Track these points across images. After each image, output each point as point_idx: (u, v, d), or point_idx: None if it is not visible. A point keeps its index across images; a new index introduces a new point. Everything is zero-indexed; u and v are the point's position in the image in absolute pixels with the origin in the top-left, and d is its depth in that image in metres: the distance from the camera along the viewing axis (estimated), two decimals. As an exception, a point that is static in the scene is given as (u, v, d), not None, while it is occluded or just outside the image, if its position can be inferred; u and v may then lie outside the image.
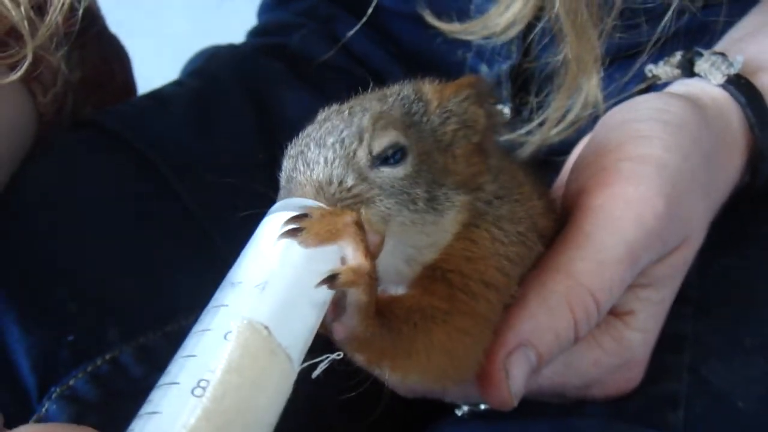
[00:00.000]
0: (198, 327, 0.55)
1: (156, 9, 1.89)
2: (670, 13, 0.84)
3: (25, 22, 0.83)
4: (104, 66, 1.07)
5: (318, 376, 0.57)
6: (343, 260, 0.59)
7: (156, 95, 1.04)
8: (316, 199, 0.60)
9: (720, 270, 0.81)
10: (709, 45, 0.84)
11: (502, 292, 0.65)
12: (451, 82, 0.68)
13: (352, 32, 1.02)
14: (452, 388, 0.69)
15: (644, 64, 0.86)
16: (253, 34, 1.19)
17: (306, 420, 0.77)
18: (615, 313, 0.70)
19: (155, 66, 1.16)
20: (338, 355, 0.58)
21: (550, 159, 0.93)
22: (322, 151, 0.62)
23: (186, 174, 0.92)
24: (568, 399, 0.73)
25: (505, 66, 1.01)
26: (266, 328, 0.54)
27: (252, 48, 1.14)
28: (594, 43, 0.84)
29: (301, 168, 0.62)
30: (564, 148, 0.89)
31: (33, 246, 0.83)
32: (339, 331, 0.61)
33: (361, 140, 0.62)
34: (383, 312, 0.61)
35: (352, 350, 0.62)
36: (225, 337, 0.53)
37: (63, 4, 0.86)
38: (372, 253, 0.59)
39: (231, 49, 1.12)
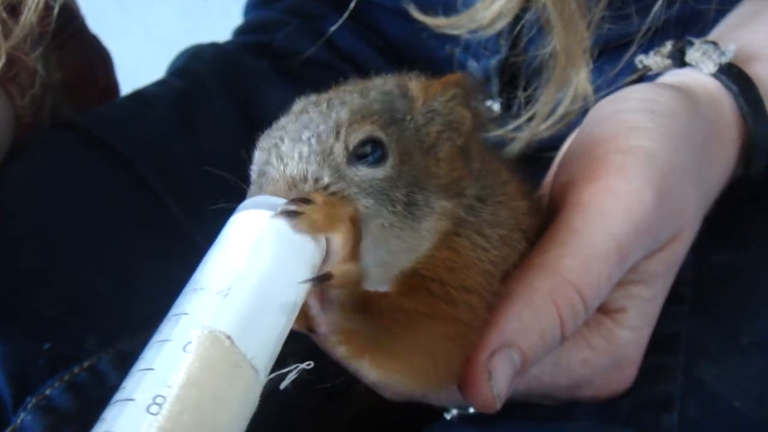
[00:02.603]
0: (157, 337, 0.52)
1: (144, 9, 1.87)
2: (660, 1, 0.81)
3: None
4: (85, 67, 1.06)
5: (289, 386, 0.54)
6: (325, 254, 0.56)
7: (137, 96, 1.03)
8: (287, 196, 0.57)
9: (715, 266, 0.79)
10: (701, 34, 0.81)
11: (485, 295, 0.62)
12: (437, 80, 0.65)
13: (335, 27, 0.99)
14: (434, 393, 0.67)
15: (634, 55, 0.84)
16: (239, 32, 1.18)
17: (285, 423, 0.75)
18: (605, 311, 0.68)
19: (144, 67, 1.14)
20: (308, 364, 0.55)
21: (539, 155, 0.91)
22: (297, 145, 0.59)
23: (167, 174, 0.90)
24: (558, 400, 0.70)
25: (493, 60, 0.99)
26: (228, 337, 0.50)
27: (236, 46, 1.13)
28: (583, 34, 0.82)
29: (275, 162, 0.59)
30: (554, 143, 0.87)
31: (9, 249, 0.80)
32: (323, 325, 0.58)
33: (338, 135, 0.59)
34: (369, 307, 0.59)
35: (333, 343, 0.60)
36: (184, 349, 0.50)
37: (38, 4, 0.84)
38: (359, 254, 0.57)
39: (213, 47, 1.11)
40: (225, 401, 0.49)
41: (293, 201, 0.55)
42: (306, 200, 0.56)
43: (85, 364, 0.74)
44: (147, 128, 0.95)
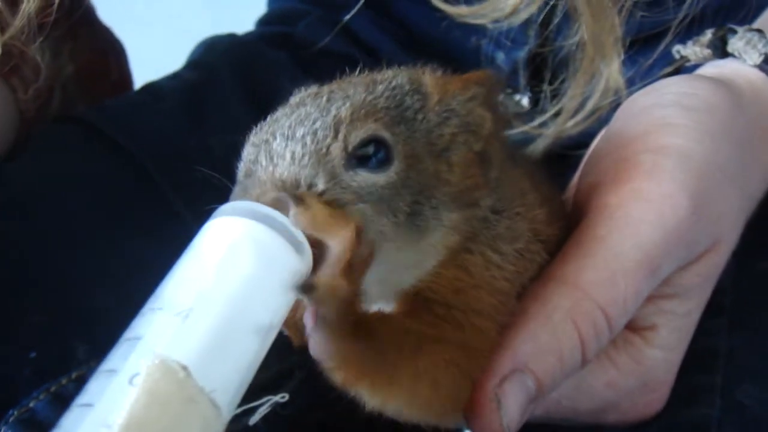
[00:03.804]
0: (103, 366, 0.46)
1: (169, 1, 1.85)
2: None
3: None
4: (98, 59, 1.05)
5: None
6: (314, 262, 0.50)
7: (149, 88, 1.00)
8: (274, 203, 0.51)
9: (758, 274, 0.74)
10: (743, 23, 0.76)
11: (497, 317, 0.56)
12: (457, 76, 0.59)
13: (350, 14, 0.94)
14: (439, 423, 0.61)
15: (670, 44, 0.78)
16: (260, 23, 1.16)
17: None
18: (634, 328, 0.62)
19: (169, 60, 1.11)
20: (282, 397, 0.49)
21: (567, 153, 0.85)
22: (290, 144, 0.53)
23: (173, 170, 0.86)
24: (581, 424, 0.64)
25: (521, 52, 0.94)
26: (184, 368, 0.44)
27: (255, 37, 1.10)
28: (614, 23, 0.76)
29: (264, 162, 0.53)
30: (584, 140, 0.81)
31: (3, 249, 0.77)
32: (312, 349, 0.53)
33: (336, 133, 0.53)
34: (367, 330, 0.53)
35: (328, 368, 0.55)
36: (130, 381, 0.43)
37: None
38: (356, 269, 0.50)
39: (231, 38, 1.08)
40: None
41: (293, 197, 0.50)
42: (301, 199, 0.50)
43: (74, 375, 0.70)
44: (155, 122, 0.92)
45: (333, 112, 0.54)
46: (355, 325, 0.52)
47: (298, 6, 1.11)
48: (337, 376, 0.55)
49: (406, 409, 0.57)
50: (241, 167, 0.55)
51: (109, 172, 0.86)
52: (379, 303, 0.58)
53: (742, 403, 0.66)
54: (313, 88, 0.58)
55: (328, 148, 0.53)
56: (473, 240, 0.56)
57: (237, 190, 0.54)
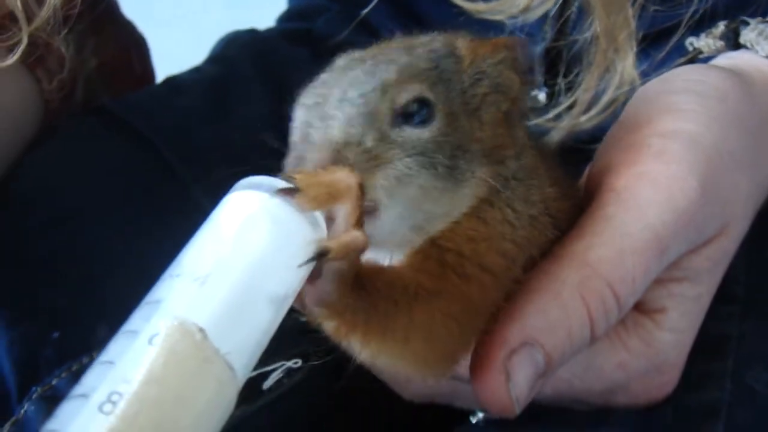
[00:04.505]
0: (125, 327, 0.47)
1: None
2: None
3: (19, 4, 0.79)
4: (121, 54, 1.06)
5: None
6: (326, 224, 0.52)
7: (170, 82, 1.02)
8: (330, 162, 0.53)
9: None
10: (755, 16, 0.75)
11: (501, 277, 0.57)
12: (486, 41, 0.62)
13: (368, 8, 0.95)
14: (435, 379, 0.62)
15: (682, 38, 0.78)
16: (281, 19, 1.17)
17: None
18: (644, 310, 0.62)
19: (193, 56, 1.12)
20: (295, 362, 0.50)
21: (583, 147, 0.85)
22: (342, 105, 0.55)
23: (194, 163, 0.88)
24: (591, 406, 0.65)
25: (539, 48, 0.94)
26: (201, 330, 0.45)
27: (276, 33, 1.11)
28: (627, 17, 0.77)
29: (318, 123, 0.55)
30: (598, 134, 0.81)
31: (29, 236, 0.79)
32: (311, 295, 0.54)
33: (384, 94, 0.56)
34: (363, 283, 0.54)
35: (322, 317, 0.56)
36: (150, 341, 0.45)
37: None
38: (363, 222, 0.52)
39: (252, 34, 1.09)
40: (190, 402, 0.44)
41: (288, 177, 0.51)
42: (306, 173, 0.52)
43: (94, 355, 0.71)
44: (176, 114, 0.94)
45: (380, 74, 0.56)
46: (355, 277, 0.54)
47: (317, 2, 1.13)
48: (329, 326, 0.57)
49: (398, 361, 0.58)
50: (295, 130, 0.57)
51: (131, 162, 0.87)
52: (385, 254, 0.59)
53: (753, 388, 0.66)
54: (356, 53, 0.60)
55: (377, 108, 0.56)
56: (496, 195, 0.58)
57: (293, 155, 0.56)
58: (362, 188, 0.52)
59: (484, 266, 0.57)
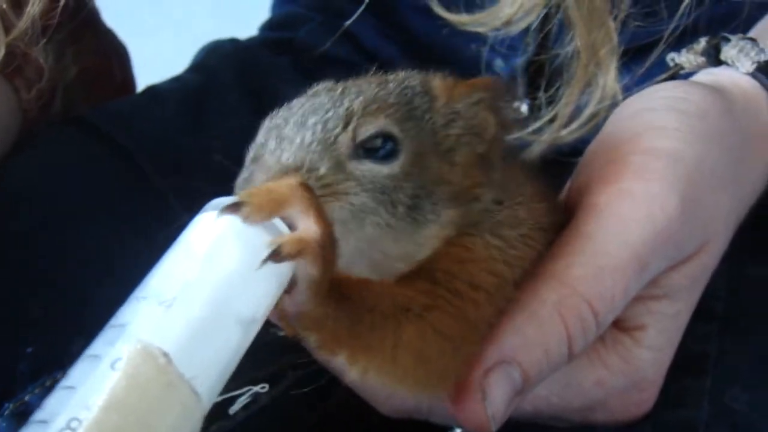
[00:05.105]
0: (88, 351, 0.47)
1: (177, 6, 1.85)
2: None
3: None
4: (102, 62, 1.05)
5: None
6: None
7: (150, 91, 1.01)
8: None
9: (750, 279, 0.74)
10: (735, 33, 0.75)
11: (495, 296, 0.57)
12: (464, 81, 0.61)
13: (351, 19, 0.95)
14: (426, 400, 0.61)
15: (663, 53, 0.79)
16: (263, 28, 1.16)
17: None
18: (623, 327, 0.62)
19: (176, 65, 1.11)
20: (262, 387, 0.49)
21: (565, 160, 0.85)
22: (301, 130, 0.55)
23: (173, 173, 0.87)
24: (570, 423, 0.65)
25: (520, 59, 0.94)
26: (165, 354, 0.44)
27: (258, 42, 1.11)
28: (609, 32, 0.77)
29: (272, 145, 0.55)
30: (580, 146, 0.81)
31: (5, 246, 0.77)
32: (287, 306, 0.53)
33: (346, 125, 0.55)
34: (348, 293, 0.53)
35: (303, 329, 0.54)
36: (112, 366, 0.44)
37: None
38: (326, 218, 0.51)
39: (233, 43, 1.09)
40: (154, 427, 0.43)
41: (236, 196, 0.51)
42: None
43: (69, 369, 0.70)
44: (155, 124, 0.93)
45: (345, 104, 0.56)
46: (335, 285, 0.52)
47: (300, 12, 1.12)
48: (313, 341, 0.55)
49: (388, 379, 0.56)
50: (251, 150, 0.57)
51: (109, 172, 0.87)
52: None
53: (732, 408, 0.66)
54: (329, 83, 0.59)
55: (336, 137, 0.55)
56: (474, 227, 0.57)
57: (243, 173, 0.55)
58: (308, 187, 0.51)
59: (476, 284, 0.56)
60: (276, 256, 0.49)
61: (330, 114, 0.55)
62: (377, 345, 0.55)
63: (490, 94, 0.60)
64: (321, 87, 0.59)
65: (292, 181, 0.51)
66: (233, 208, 0.49)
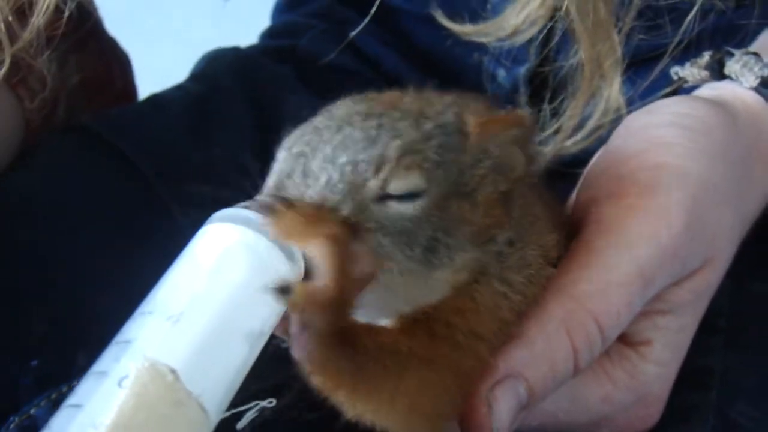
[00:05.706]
0: (94, 367, 0.46)
1: (177, 13, 1.85)
2: (694, 11, 0.76)
3: (1, 25, 0.78)
4: (104, 70, 1.05)
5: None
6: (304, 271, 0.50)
7: (152, 99, 1.01)
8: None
9: (754, 294, 0.74)
10: (739, 47, 0.76)
11: (495, 342, 0.56)
12: (496, 116, 0.58)
13: (356, 31, 0.95)
14: None
15: (667, 66, 0.79)
16: (264, 36, 1.16)
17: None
18: (629, 342, 0.63)
19: (177, 72, 1.11)
20: (269, 402, 0.49)
21: (567, 170, 0.86)
22: (329, 167, 0.52)
23: (175, 182, 0.87)
24: None
25: (522, 69, 0.94)
26: (173, 371, 0.44)
27: (259, 50, 1.10)
28: (614, 45, 0.77)
29: (298, 179, 0.53)
30: (583, 157, 0.82)
31: (7, 258, 0.77)
32: (296, 350, 0.52)
33: (378, 171, 0.52)
34: (352, 341, 0.53)
35: (308, 372, 0.54)
36: (119, 384, 0.44)
37: (47, 7, 0.81)
38: (347, 279, 0.50)
39: (235, 51, 1.08)
40: None
41: (273, 198, 0.50)
42: (289, 203, 0.50)
43: (74, 383, 0.70)
44: (157, 132, 0.93)
45: (379, 147, 0.53)
46: (340, 333, 0.51)
47: (301, 20, 1.12)
48: (317, 381, 0.55)
49: (384, 421, 0.56)
50: (274, 175, 0.54)
51: (112, 181, 0.86)
52: (376, 318, 0.58)
53: (737, 422, 0.66)
54: (361, 105, 0.56)
55: (365, 182, 0.52)
56: (483, 272, 0.56)
57: (263, 203, 0.52)
58: (344, 241, 0.50)
59: (478, 334, 0.55)
60: (281, 295, 0.48)
61: (362, 156, 0.52)
62: (376, 394, 0.54)
63: (521, 131, 0.58)
64: (351, 110, 0.56)
65: (331, 227, 0.50)
66: (263, 210, 0.49)
